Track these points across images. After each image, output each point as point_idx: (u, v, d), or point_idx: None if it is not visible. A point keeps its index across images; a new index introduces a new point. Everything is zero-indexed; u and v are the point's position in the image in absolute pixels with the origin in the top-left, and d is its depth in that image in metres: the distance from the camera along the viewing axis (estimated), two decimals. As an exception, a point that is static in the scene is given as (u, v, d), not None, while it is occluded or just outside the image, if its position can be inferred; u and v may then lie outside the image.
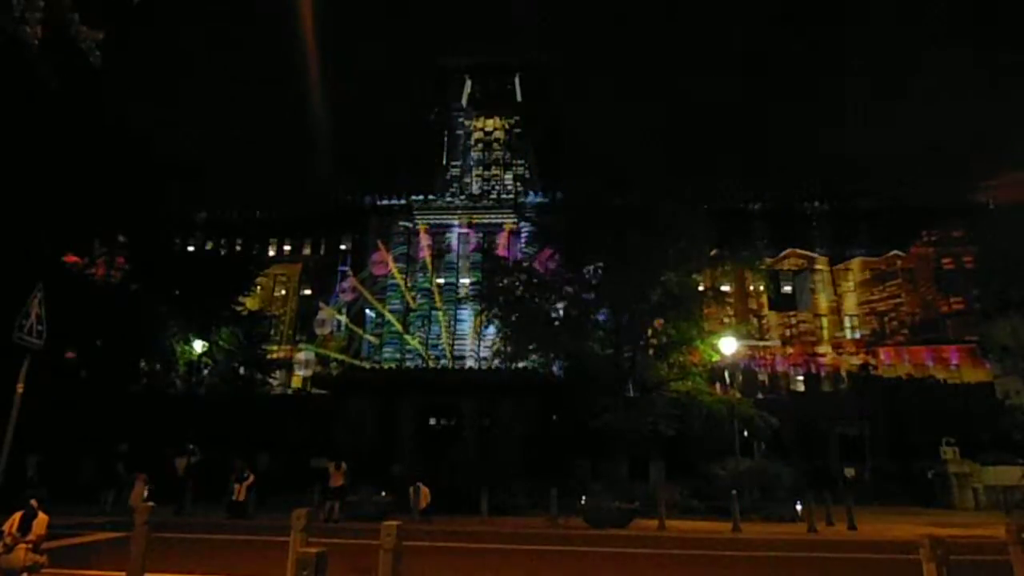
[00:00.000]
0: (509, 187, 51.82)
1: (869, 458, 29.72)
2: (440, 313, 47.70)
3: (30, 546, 7.65)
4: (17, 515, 7.79)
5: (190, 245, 47.89)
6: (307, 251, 52.35)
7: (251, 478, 18.88)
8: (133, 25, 21.55)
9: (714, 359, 26.22)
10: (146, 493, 19.00)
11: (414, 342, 47.04)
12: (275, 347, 44.53)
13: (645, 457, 26.01)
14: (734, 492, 17.52)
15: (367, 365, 43.68)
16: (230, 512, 18.42)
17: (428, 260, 48.97)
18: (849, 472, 28.70)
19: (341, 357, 44.58)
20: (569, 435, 26.40)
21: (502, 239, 47.72)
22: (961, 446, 26.84)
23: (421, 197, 50.52)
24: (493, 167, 54.06)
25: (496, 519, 18.22)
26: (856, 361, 42.29)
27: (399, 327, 47.46)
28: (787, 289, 46.81)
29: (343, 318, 47.34)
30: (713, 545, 14.37)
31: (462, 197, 50.62)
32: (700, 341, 25.76)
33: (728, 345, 22.45)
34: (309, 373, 43.54)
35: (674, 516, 19.01)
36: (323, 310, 46.53)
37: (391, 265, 48.28)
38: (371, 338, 47.11)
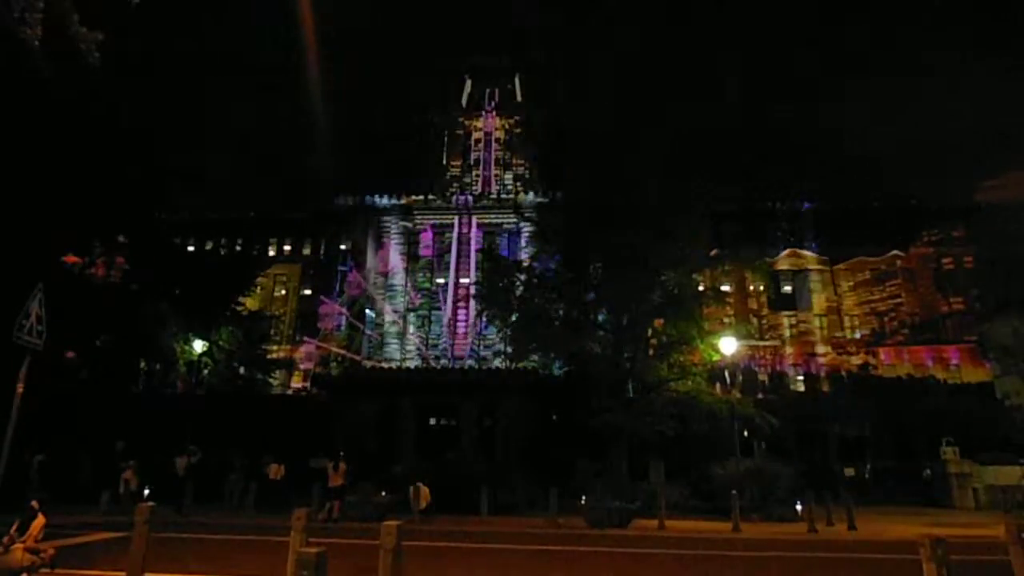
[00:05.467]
0: (509, 187, 51.79)
1: (869, 458, 29.71)
2: (440, 313, 47.70)
3: (26, 546, 7.71)
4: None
5: (190, 245, 47.85)
6: (307, 251, 52.30)
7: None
8: (133, 26, 21.55)
9: (714, 359, 26.17)
10: (146, 492, 19.00)
11: (414, 342, 47.04)
12: (275, 347, 44.51)
13: (645, 457, 26.02)
14: (734, 492, 17.52)
15: (368, 364, 43.68)
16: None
17: (428, 260, 48.96)
18: (849, 472, 28.68)
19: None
20: (569, 435, 26.38)
21: (502, 239, 47.70)
22: (961, 446, 26.85)
23: (421, 197, 50.45)
24: (493, 167, 54.03)
25: (496, 519, 18.21)
26: (856, 361, 42.25)
27: (399, 327, 47.47)
28: (787, 289, 46.79)
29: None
30: (713, 545, 14.37)
31: (462, 197, 50.61)
32: (700, 341, 25.68)
33: (728, 345, 22.44)
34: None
35: (674, 516, 19.00)
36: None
37: (391, 265, 48.35)
38: (371, 333, 47.23)
